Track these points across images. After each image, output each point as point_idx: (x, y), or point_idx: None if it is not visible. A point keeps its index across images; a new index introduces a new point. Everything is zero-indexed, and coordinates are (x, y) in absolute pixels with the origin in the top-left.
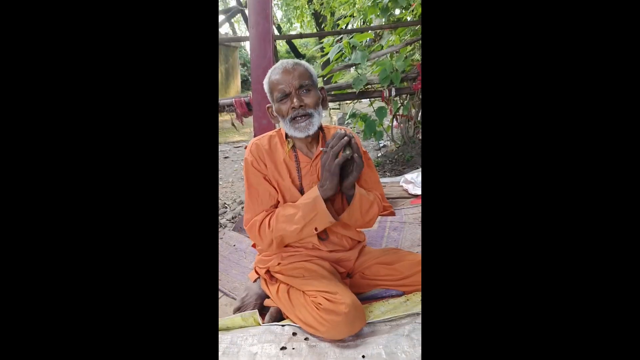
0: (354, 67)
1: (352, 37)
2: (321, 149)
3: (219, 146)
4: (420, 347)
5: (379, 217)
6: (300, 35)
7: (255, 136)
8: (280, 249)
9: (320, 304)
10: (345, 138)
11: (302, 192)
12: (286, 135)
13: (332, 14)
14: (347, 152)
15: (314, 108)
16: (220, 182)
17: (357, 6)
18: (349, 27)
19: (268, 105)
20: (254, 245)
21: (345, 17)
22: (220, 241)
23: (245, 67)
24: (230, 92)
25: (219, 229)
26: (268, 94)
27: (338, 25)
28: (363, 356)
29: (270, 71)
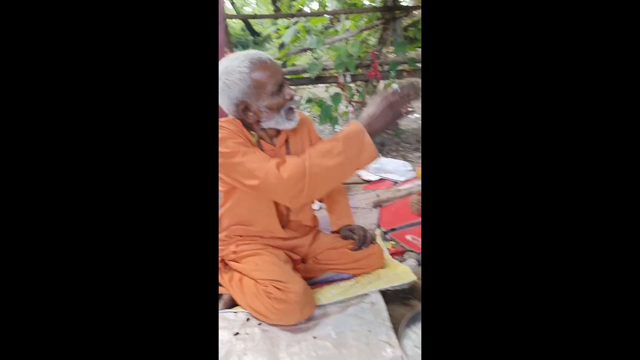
0: (309, 51)
1: (307, 21)
2: (394, 86)
3: None
4: (366, 325)
5: None
6: (255, 16)
7: None
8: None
9: (270, 292)
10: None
11: None
12: (247, 128)
13: None
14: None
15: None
16: None
17: None
18: (305, 9)
19: (242, 106)
20: None
21: None
22: None
23: None
24: None
25: None
26: (247, 94)
27: (293, 4)
28: (314, 337)
29: (246, 69)
